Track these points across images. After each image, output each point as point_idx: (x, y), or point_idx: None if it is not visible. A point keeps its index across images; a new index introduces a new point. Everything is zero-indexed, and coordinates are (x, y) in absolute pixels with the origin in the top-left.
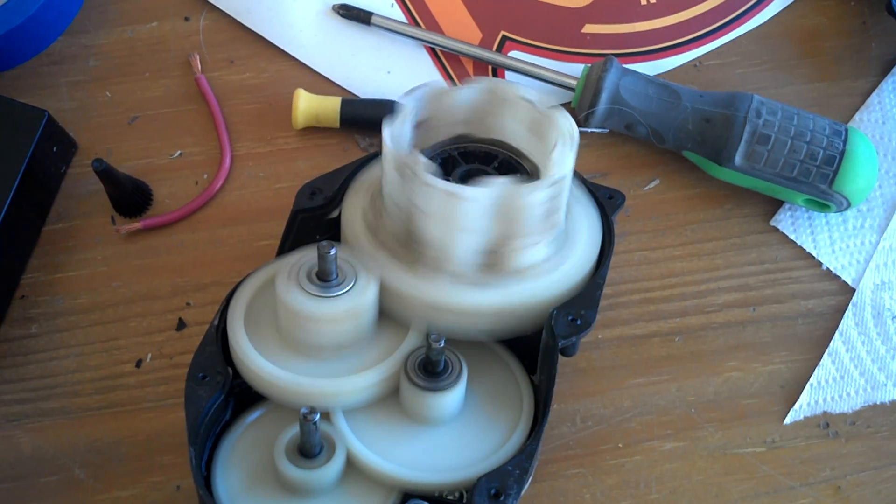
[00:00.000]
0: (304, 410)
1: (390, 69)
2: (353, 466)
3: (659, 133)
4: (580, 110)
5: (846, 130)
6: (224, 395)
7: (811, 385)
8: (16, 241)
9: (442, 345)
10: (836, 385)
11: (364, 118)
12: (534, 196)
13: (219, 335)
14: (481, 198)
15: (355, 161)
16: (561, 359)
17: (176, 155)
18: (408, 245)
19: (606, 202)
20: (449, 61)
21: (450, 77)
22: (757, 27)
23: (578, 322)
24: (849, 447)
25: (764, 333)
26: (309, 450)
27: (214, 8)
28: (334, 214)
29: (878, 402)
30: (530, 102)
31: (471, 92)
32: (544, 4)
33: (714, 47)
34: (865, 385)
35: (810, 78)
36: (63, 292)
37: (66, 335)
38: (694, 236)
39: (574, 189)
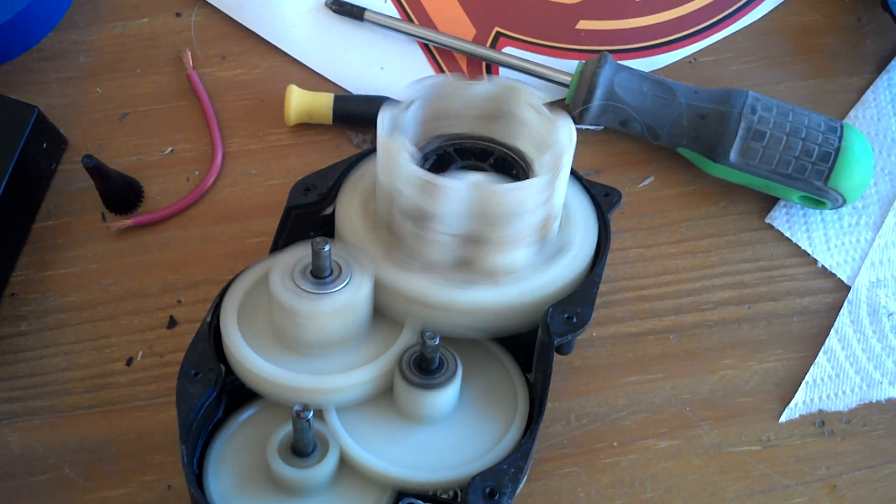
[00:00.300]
0: (296, 408)
1: (383, 65)
2: (346, 465)
3: (653, 129)
4: (574, 107)
5: (842, 127)
6: (216, 393)
7: (806, 383)
8: (5, 238)
9: (437, 342)
10: (831, 383)
11: (357, 114)
12: (510, 196)
13: (211, 332)
14: (455, 189)
15: (349, 158)
16: (556, 357)
17: (167, 151)
18: (399, 239)
19: (603, 200)
20: (443, 57)
21: (443, 73)
22: (751, 23)
23: (574, 320)
24: (844, 446)
25: (759, 331)
26: (302, 448)
27: (206, 4)
28: (328, 211)
29: (873, 401)
30: (538, 106)
31: (482, 89)
32: (538, 0)
33: (709, 44)
34: (861, 383)
35: (805, 74)
36: (53, 290)
37: (56, 333)
38: (689, 233)
39: (570, 186)
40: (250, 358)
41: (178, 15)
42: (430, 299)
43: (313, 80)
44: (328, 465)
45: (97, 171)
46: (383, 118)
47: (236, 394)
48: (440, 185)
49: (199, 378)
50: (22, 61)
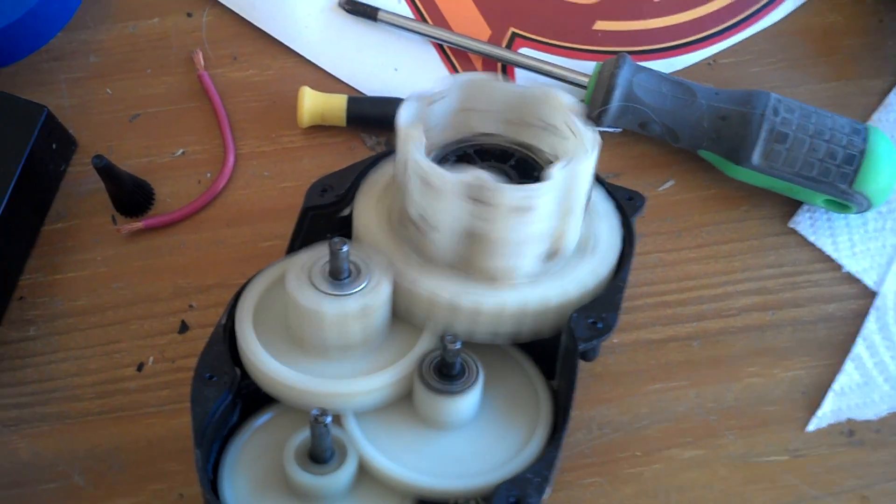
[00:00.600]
0: (314, 412)
1: (397, 66)
2: (365, 472)
3: (673, 131)
4: (592, 108)
5: (866, 129)
6: (232, 397)
7: (834, 391)
8: (13, 240)
9: (458, 347)
10: (859, 391)
11: (371, 116)
12: (506, 196)
13: (226, 334)
14: (450, 181)
15: (367, 158)
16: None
17: (178, 153)
18: (414, 239)
19: (626, 204)
20: (457, 58)
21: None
22: (771, 25)
23: (599, 325)
24: (875, 455)
25: (784, 338)
26: (320, 454)
27: (217, 3)
28: (346, 212)
29: None
30: (571, 121)
31: (516, 91)
32: (555, 0)
33: (728, 45)
34: (890, 391)
35: (826, 77)
36: (62, 294)
37: (65, 338)
38: (710, 238)
39: (593, 190)
40: (266, 361)
41: (189, 15)
42: (450, 303)
43: (326, 81)
44: (347, 471)
45: (107, 171)
46: (407, 106)
47: (252, 398)
48: (437, 176)
49: (214, 381)
50: (31, 61)
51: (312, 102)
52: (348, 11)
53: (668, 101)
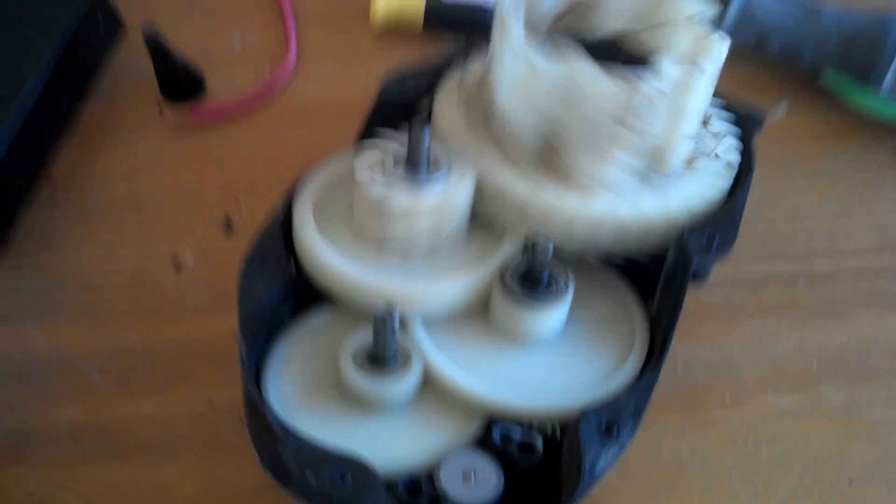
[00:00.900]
0: (381, 308)
1: None
2: (429, 385)
3: (794, 51)
4: None
5: None
6: (283, 290)
7: None
8: (50, 118)
9: (550, 252)
10: None
11: (450, 22)
12: (602, 86)
13: (282, 224)
14: (549, 69)
15: (451, 54)
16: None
17: (235, 42)
18: (533, 150)
19: (745, 121)
20: None
21: None
22: None
23: (716, 242)
24: None
25: None
26: (381, 356)
27: None
28: (423, 108)
29: None
30: (697, 14)
31: None
32: None
33: None
34: None
35: None
36: (96, 179)
37: (96, 226)
38: (826, 170)
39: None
40: (326, 254)
41: None
42: (543, 208)
43: None
44: (411, 378)
45: (158, 47)
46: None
47: (304, 296)
48: (534, 60)
49: (265, 271)
50: None
51: (389, 1)
52: None
53: (791, 17)
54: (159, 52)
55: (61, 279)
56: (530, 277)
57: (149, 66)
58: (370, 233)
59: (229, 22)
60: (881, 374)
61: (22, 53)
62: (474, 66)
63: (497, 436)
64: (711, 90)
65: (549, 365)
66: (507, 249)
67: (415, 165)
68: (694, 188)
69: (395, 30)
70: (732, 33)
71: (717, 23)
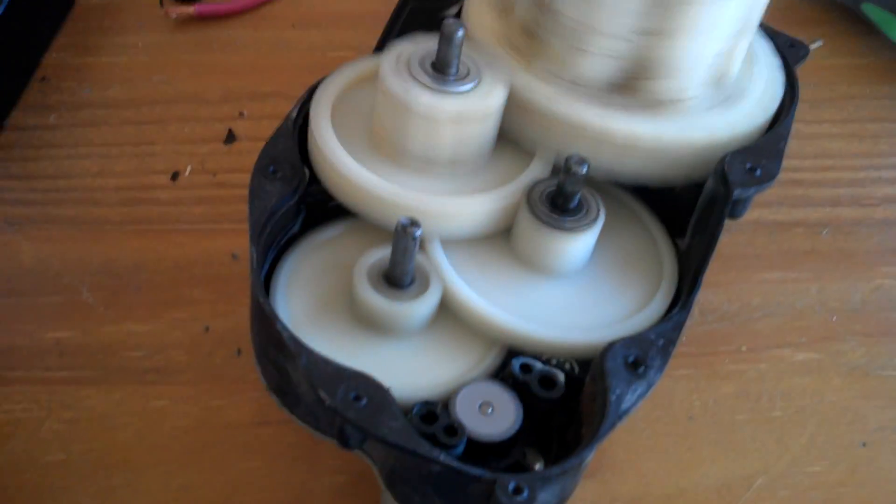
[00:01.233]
0: (403, 221)
1: None
2: (446, 311)
3: None
4: None
5: None
6: (296, 199)
7: None
8: (42, 8)
9: (584, 171)
10: None
11: None
12: None
13: (296, 130)
14: None
15: None
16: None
17: None
18: (543, 45)
19: (788, 51)
20: None
21: None
22: None
23: (758, 172)
24: None
25: None
26: (399, 276)
27: None
28: (452, 11)
29: None
30: None
31: None
32: None
33: None
34: None
35: None
36: (92, 79)
37: (90, 131)
38: (857, 114)
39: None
40: (344, 161)
41: None
42: (577, 121)
43: None
44: (429, 301)
45: None
46: None
47: (317, 209)
48: None
49: (278, 177)
50: None
51: None
52: None
53: None
54: None
55: (51, 187)
56: (560, 200)
57: None
58: (390, 140)
59: None
60: None
61: None
62: None
63: (517, 368)
64: None
65: (573, 297)
66: (536, 170)
67: (444, 67)
68: (738, 112)
69: None
70: None
71: None
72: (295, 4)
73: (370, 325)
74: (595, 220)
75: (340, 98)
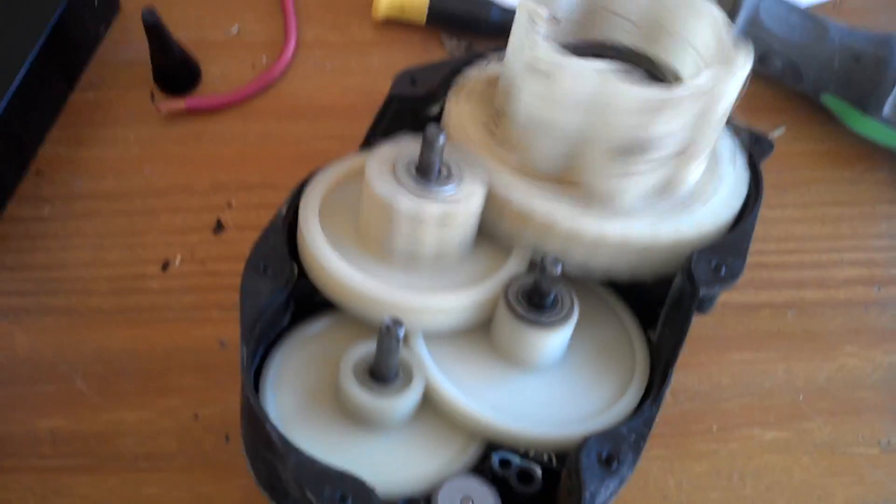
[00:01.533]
0: (387, 321)
1: None
2: (428, 404)
3: (797, 69)
4: None
5: None
6: (286, 295)
7: None
8: (36, 104)
9: (559, 271)
10: None
11: (456, 16)
12: (633, 93)
13: (286, 226)
14: (580, 72)
15: (462, 56)
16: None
17: (233, 31)
18: (546, 161)
19: (753, 147)
20: None
21: None
22: None
23: (723, 270)
24: None
25: (888, 318)
26: (383, 372)
27: None
28: (434, 111)
29: None
30: (719, 22)
31: None
32: None
33: None
34: None
35: None
36: (85, 172)
37: (83, 222)
38: (818, 198)
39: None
40: (331, 259)
41: None
42: (545, 220)
43: None
44: (412, 396)
45: (156, 31)
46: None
47: (305, 302)
48: (560, 64)
49: (268, 275)
50: None
51: None
52: None
53: (797, 33)
54: (158, 40)
55: (46, 277)
56: (536, 298)
57: (142, 49)
58: (376, 238)
59: (228, 7)
60: (866, 409)
61: (12, 34)
62: (488, 67)
63: (496, 462)
64: (735, 98)
65: (549, 391)
66: (513, 266)
67: (426, 171)
68: (704, 211)
69: (397, 22)
70: None
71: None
72: (280, 98)
73: (356, 418)
74: (569, 315)
75: (329, 193)
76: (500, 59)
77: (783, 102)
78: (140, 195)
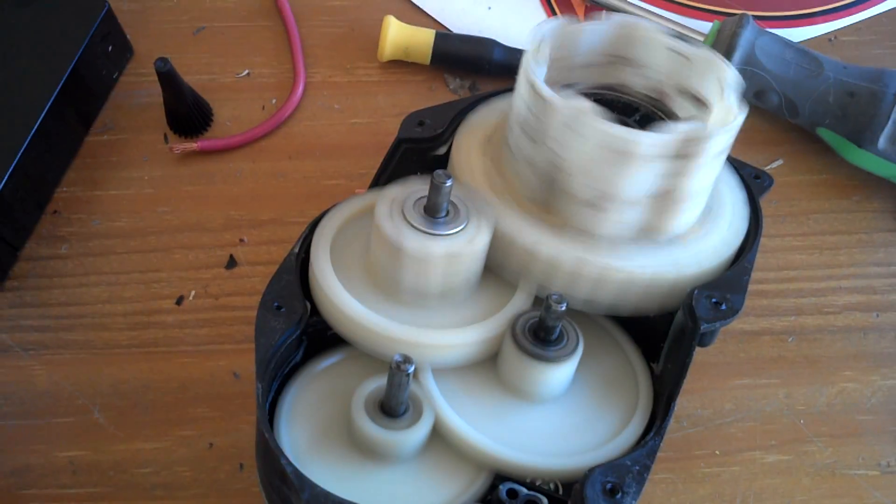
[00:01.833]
0: (397, 358)
1: (491, 4)
2: (437, 436)
3: (793, 104)
4: None
5: None
6: (299, 332)
7: None
8: (54, 146)
9: (563, 308)
10: None
11: (459, 56)
12: (601, 129)
13: (298, 265)
14: (558, 107)
15: (469, 97)
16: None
17: (243, 74)
18: (541, 196)
19: (753, 182)
20: (558, 3)
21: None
22: None
23: (723, 307)
24: None
25: (886, 343)
26: (394, 407)
27: None
28: (441, 151)
29: None
30: (674, 43)
31: (602, 29)
32: None
33: (851, 22)
34: None
35: None
36: (101, 212)
37: (99, 260)
38: (816, 227)
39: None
40: (342, 297)
41: None
42: (550, 258)
43: (410, 13)
44: (421, 430)
45: (169, 78)
46: (542, 25)
47: (317, 338)
48: (548, 98)
49: (282, 313)
50: None
51: (397, 34)
52: None
53: (792, 69)
54: (171, 87)
55: (63, 313)
56: (542, 333)
57: (155, 92)
58: (385, 275)
59: (238, 52)
60: (866, 431)
61: (32, 80)
62: (490, 112)
63: (503, 493)
64: (724, 155)
65: (555, 422)
66: (519, 301)
67: (434, 211)
68: (705, 248)
69: (401, 63)
70: None
71: None
72: (289, 138)
73: (367, 451)
74: (575, 349)
75: (339, 231)
76: (505, 99)
77: (780, 136)
78: (154, 233)
